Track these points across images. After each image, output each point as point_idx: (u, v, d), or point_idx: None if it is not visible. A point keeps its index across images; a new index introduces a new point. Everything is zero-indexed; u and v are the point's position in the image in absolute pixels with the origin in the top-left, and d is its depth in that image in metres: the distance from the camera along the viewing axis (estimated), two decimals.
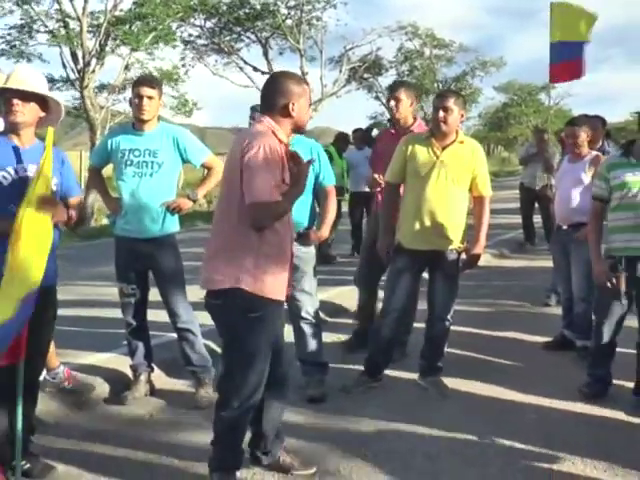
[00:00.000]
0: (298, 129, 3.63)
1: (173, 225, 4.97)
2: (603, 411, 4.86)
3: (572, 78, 11.42)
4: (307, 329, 4.94)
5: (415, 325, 5.56)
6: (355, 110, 45.29)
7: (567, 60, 10.83)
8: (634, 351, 4.98)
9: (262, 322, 3.43)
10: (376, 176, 5.54)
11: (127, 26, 19.12)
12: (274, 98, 3.50)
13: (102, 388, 5.07)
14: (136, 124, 4.90)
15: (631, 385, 5.02)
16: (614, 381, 5.17)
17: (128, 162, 4.82)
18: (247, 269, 3.37)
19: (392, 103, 5.64)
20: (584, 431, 4.56)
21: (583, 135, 6.09)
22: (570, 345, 6.15)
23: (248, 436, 3.80)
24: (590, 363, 5.23)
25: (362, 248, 6.10)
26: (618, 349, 5.13)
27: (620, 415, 4.80)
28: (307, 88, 3.62)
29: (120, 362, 5.37)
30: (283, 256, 3.53)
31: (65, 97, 20.95)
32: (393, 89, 5.77)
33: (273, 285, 3.46)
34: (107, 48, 19.29)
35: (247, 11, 24.60)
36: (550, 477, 3.95)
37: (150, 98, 4.78)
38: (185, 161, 5.00)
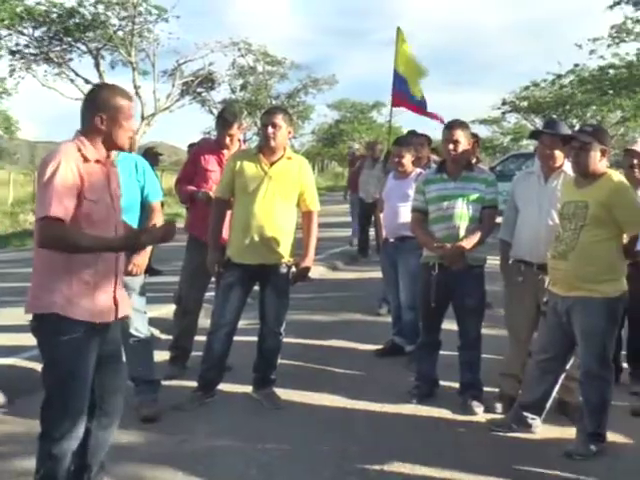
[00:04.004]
0: (115, 146, 3.41)
1: None
2: (431, 411, 5.11)
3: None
4: (137, 347, 4.81)
5: (249, 338, 5.57)
6: (189, 124, 45.05)
7: (408, 100, 11.16)
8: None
9: (77, 345, 3.25)
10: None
11: None
12: (85, 112, 3.34)
13: None
14: None
15: (456, 385, 5.33)
16: (441, 382, 5.46)
17: None
18: (59, 292, 3.21)
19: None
20: (414, 431, 4.77)
21: (407, 155, 6.39)
22: (400, 351, 6.41)
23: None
24: (415, 360, 5.57)
25: (183, 267, 6.00)
26: (444, 352, 5.43)
27: (447, 414, 5.07)
28: (126, 102, 3.37)
29: None
30: (104, 276, 3.37)
31: None
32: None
33: (89, 308, 3.29)
34: None
35: (77, 21, 23.87)
36: (381, 477, 4.09)
37: None
38: None
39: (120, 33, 24.44)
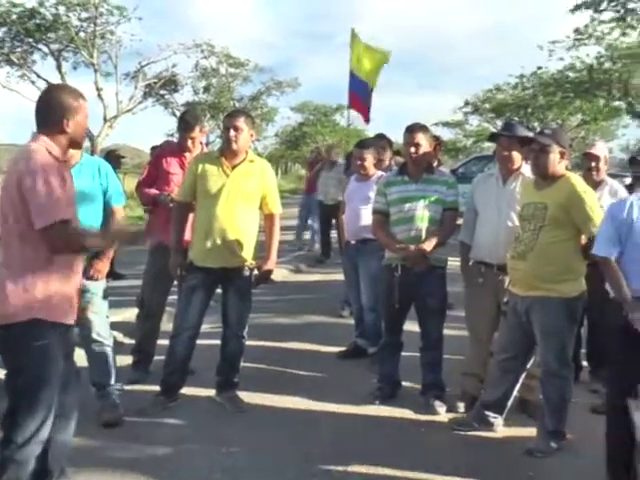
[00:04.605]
0: (74, 145, 3.51)
1: None
2: (394, 412, 5.15)
3: (362, 116, 11.66)
4: (99, 351, 4.78)
5: (212, 342, 5.55)
6: (152, 127, 44.86)
7: (358, 95, 11.11)
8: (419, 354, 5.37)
9: (48, 349, 3.26)
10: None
11: None
12: (48, 114, 3.35)
13: None
14: None
15: (419, 386, 5.37)
16: (403, 383, 5.51)
17: None
18: (37, 295, 3.21)
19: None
20: (376, 432, 4.80)
21: (369, 157, 6.41)
22: (363, 352, 6.44)
23: None
24: (378, 362, 5.61)
25: (146, 271, 5.96)
26: (406, 353, 5.47)
27: (409, 414, 5.11)
28: (84, 103, 3.46)
29: None
30: (73, 276, 3.40)
31: None
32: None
33: (65, 307, 3.32)
34: None
35: (38, 22, 23.53)
36: (345, 477, 4.12)
37: None
38: None
39: (82, 34, 24.15)
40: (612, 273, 3.93)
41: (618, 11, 22.24)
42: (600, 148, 5.71)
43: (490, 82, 34.73)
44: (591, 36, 24.85)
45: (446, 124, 43.81)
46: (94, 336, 4.75)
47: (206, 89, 33.56)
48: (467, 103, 37.19)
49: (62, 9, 23.41)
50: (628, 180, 9.01)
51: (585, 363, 5.88)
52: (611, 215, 4.01)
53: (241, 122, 4.99)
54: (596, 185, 5.39)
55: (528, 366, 4.72)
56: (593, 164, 5.56)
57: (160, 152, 5.97)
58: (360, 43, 10.97)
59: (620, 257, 3.91)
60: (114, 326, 5.12)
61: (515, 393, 4.80)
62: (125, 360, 5.65)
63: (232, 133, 4.96)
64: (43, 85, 23.94)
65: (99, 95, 24.49)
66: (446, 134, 44.72)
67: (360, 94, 11.04)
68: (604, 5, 22.20)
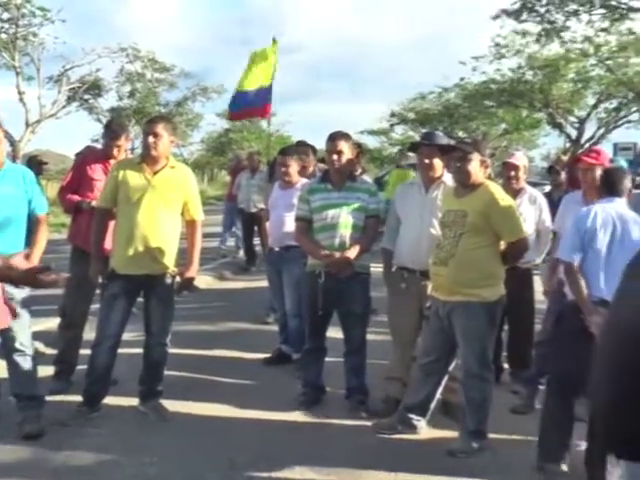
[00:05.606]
0: None
1: None
2: (318, 417, 5.18)
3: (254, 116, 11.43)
4: (21, 361, 4.67)
5: (135, 350, 5.48)
6: (76, 132, 43.99)
7: (252, 107, 11.00)
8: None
9: None
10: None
11: None
12: None
13: None
14: None
15: (343, 391, 5.42)
16: (327, 388, 5.55)
17: None
18: None
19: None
20: (301, 437, 4.82)
21: (294, 164, 6.45)
22: (287, 359, 6.46)
23: None
24: (301, 368, 5.66)
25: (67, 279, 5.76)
26: (330, 359, 5.52)
27: (334, 419, 5.14)
28: None
29: None
30: None
31: None
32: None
33: None
34: None
35: None
36: None
37: None
38: None
39: (3, 36, 23.54)
40: (574, 278, 4.11)
41: (540, 22, 22.85)
42: (519, 157, 5.89)
43: (417, 91, 35.33)
44: (510, 48, 25.50)
45: (372, 132, 44.33)
46: (17, 346, 4.63)
47: (131, 94, 33.09)
48: (393, 115, 37.70)
49: None
50: (547, 188, 9.29)
51: (506, 365, 6.03)
52: (576, 223, 4.20)
53: (160, 128, 4.96)
54: (516, 193, 5.55)
55: (450, 369, 4.82)
56: (512, 173, 5.73)
57: (84, 158, 5.89)
58: (268, 54, 10.76)
59: (582, 263, 4.10)
60: (35, 336, 5.00)
61: (438, 395, 4.89)
62: (46, 370, 5.51)
63: (151, 139, 4.92)
64: None
65: (21, 99, 23.95)
66: (372, 142, 45.26)
67: (249, 105, 10.97)
68: (525, 15, 22.79)
